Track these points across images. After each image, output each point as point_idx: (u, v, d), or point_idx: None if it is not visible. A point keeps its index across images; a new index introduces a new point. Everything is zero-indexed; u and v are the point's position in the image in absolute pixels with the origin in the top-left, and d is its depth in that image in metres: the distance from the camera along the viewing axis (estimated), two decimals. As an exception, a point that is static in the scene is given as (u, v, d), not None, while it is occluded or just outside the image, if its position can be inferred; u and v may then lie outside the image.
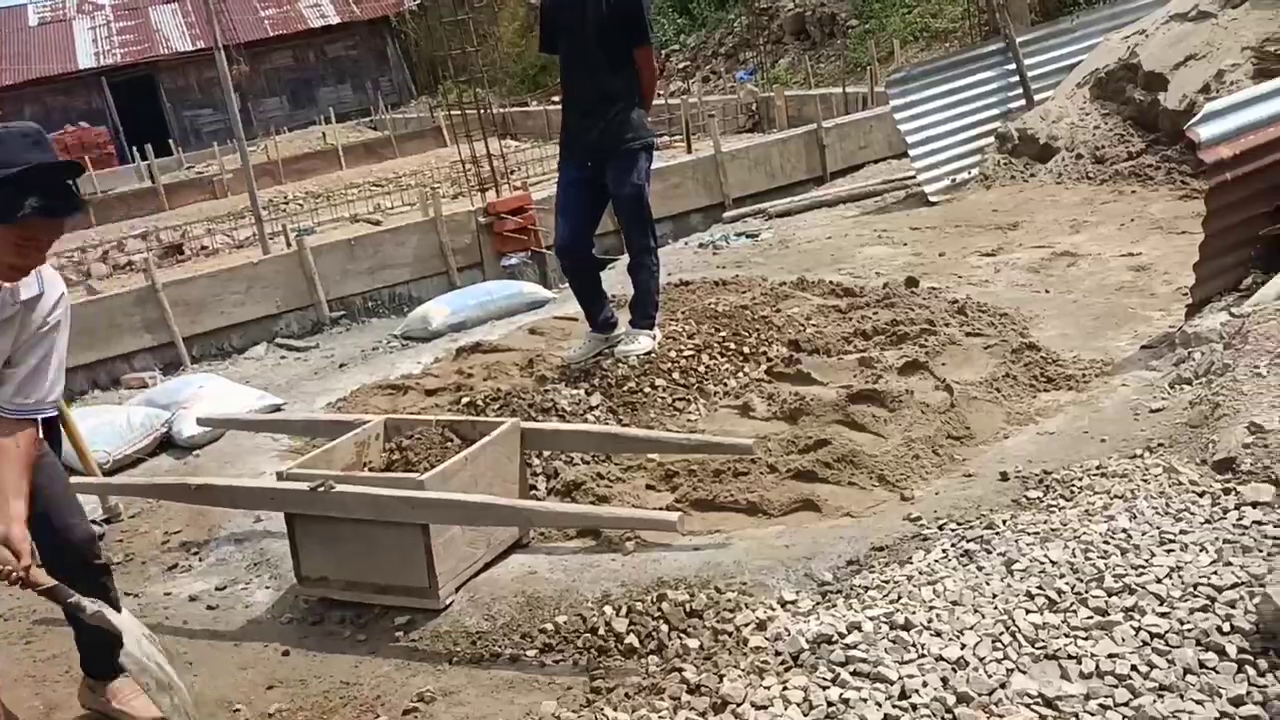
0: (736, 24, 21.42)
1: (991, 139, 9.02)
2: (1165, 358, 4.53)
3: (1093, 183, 8.15)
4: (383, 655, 3.42)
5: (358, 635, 3.56)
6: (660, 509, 3.99)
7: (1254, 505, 3.09)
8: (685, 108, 14.04)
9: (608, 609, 3.30)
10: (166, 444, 5.76)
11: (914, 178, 9.07)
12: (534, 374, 5.40)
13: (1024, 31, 9.84)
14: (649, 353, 5.13)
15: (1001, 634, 2.65)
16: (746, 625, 3.02)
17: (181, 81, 34.13)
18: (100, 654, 3.17)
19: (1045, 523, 3.21)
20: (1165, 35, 8.44)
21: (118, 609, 2.96)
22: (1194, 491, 3.26)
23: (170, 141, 28.88)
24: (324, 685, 3.31)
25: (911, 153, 8.89)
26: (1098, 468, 3.58)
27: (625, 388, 4.90)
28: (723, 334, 5.38)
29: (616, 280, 6.31)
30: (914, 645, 2.65)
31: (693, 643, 3.03)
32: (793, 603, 3.18)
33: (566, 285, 8.34)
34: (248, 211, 12.86)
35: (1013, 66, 9.25)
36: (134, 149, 26.48)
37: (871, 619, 2.78)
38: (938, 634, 2.69)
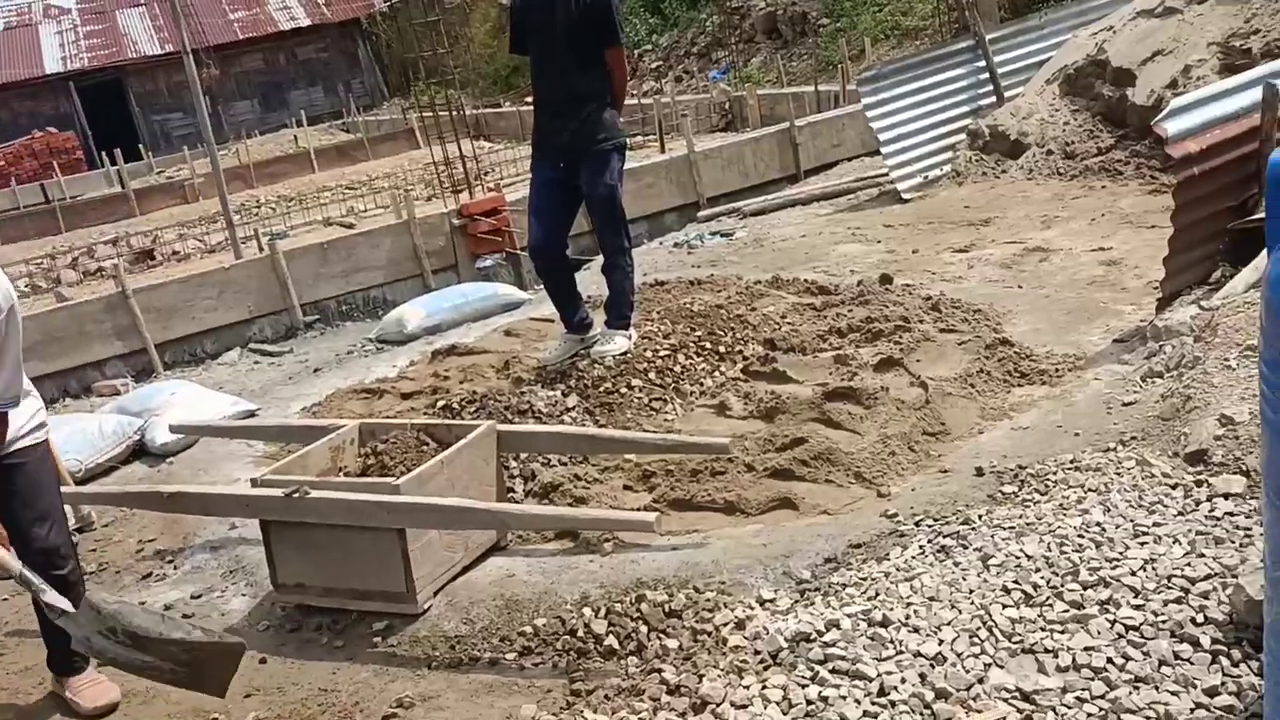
0: (709, 23, 21.44)
1: (963, 136, 9.07)
2: (1137, 351, 4.57)
3: (1063, 178, 8.20)
4: (361, 661, 3.40)
5: (335, 641, 3.54)
6: (638, 509, 3.99)
7: (1226, 496, 3.12)
8: (658, 107, 14.05)
9: (586, 611, 3.30)
10: (139, 452, 5.70)
11: (887, 175, 9.11)
12: (510, 376, 5.39)
13: (993, 29, 9.91)
14: (625, 353, 5.12)
15: (979, 629, 2.67)
16: (725, 625, 3.02)
17: (150, 85, 33.80)
18: (56, 651, 3.40)
19: (1020, 517, 3.23)
20: (1132, 31, 8.51)
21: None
22: (1167, 484, 3.29)
23: (140, 146, 28.60)
24: (302, 692, 3.29)
25: (884, 150, 8.93)
26: (1071, 462, 3.61)
27: (601, 388, 4.89)
28: (698, 333, 5.39)
29: (591, 281, 6.31)
30: (892, 642, 2.66)
31: (672, 643, 3.04)
32: (771, 601, 3.19)
33: (541, 287, 8.36)
34: (219, 216, 12.76)
35: (983, 64, 9.31)
36: (103, 154, 26.21)
37: (850, 616, 2.79)
38: (915, 630, 2.70)
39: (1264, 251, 4.42)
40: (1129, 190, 7.65)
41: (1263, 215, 4.60)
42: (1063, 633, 2.60)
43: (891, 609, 2.80)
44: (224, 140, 24.37)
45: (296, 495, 3.51)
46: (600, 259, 5.40)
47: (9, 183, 23.69)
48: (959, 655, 2.58)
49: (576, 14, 4.83)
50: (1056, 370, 4.63)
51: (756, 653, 2.79)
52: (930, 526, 3.39)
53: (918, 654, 2.60)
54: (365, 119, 29.44)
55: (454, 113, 10.34)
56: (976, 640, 2.62)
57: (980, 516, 3.32)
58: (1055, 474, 3.55)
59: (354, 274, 8.70)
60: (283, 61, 36.31)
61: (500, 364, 5.68)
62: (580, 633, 3.21)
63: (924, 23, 15.20)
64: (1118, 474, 3.40)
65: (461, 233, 8.89)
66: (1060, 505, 3.24)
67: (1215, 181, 4.68)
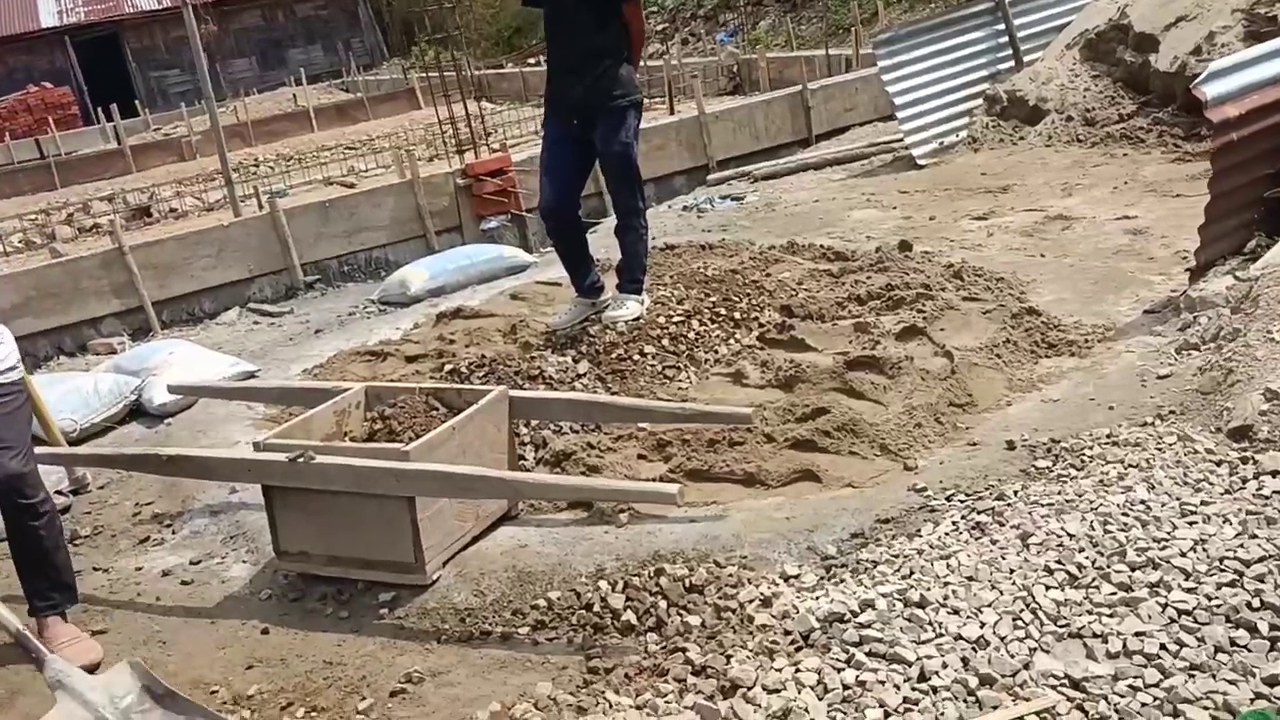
0: (717, -16, 21.11)
1: (980, 101, 8.86)
2: (1170, 323, 4.42)
3: (1083, 145, 8.01)
4: (367, 634, 3.26)
5: (340, 612, 3.40)
6: (654, 479, 3.85)
7: (1274, 474, 2.99)
8: (667, 69, 13.78)
9: (603, 584, 3.16)
10: (136, 412, 5.54)
11: (901, 140, 8.90)
12: (518, 340, 5.24)
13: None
14: (637, 318, 4.97)
15: (1021, 611, 2.54)
16: (750, 602, 2.89)
17: (148, 41, 33.35)
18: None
19: (1059, 493, 3.09)
20: (1157, -5, 8.28)
21: (50, 554, 3.30)
22: (1211, 460, 3.15)
23: (136, 102, 28.23)
24: (306, 665, 3.16)
25: (899, 115, 8.72)
26: (1108, 436, 3.47)
27: (614, 355, 4.74)
28: (713, 299, 5.23)
29: (599, 244, 6.13)
30: (931, 624, 2.53)
31: (694, 620, 2.90)
32: (796, 577, 3.06)
33: (548, 249, 8.16)
34: (217, 174, 12.56)
35: (1002, 27, 9.08)
36: (98, 110, 25.86)
37: (885, 596, 2.65)
38: (955, 611, 2.56)
39: (1306, 221, 4.27)
40: (1151, 158, 7.47)
41: (1304, 183, 4.45)
42: (1111, 616, 2.47)
43: (929, 589, 2.66)
44: (222, 98, 23.97)
45: (301, 460, 3.36)
46: (607, 221, 5.23)
47: (3, 138, 23.36)
48: (1002, 639, 2.45)
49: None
50: (1085, 341, 4.48)
51: (787, 633, 2.65)
52: (963, 502, 3.25)
53: (958, 637, 2.47)
54: (365, 78, 29.07)
55: (460, 72, 10.09)
56: (1020, 623, 2.49)
57: (1015, 492, 3.19)
58: (1091, 448, 3.42)
59: (356, 234, 8.49)
60: (281, 19, 35.84)
61: (507, 328, 5.52)
62: (596, 607, 3.08)
63: (936, -14, 14.90)
64: (1159, 450, 3.26)
65: (466, 193, 8.68)
66: (1101, 482, 3.10)
67: (1253, 148, 4.51)
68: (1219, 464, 3.12)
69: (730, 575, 3.07)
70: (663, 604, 3.02)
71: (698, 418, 3.85)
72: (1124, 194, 6.76)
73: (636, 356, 4.76)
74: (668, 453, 4.04)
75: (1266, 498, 2.90)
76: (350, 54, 34.36)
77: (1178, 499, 2.92)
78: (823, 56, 13.71)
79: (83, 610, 3.61)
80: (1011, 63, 9.06)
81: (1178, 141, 7.54)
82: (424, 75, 21.38)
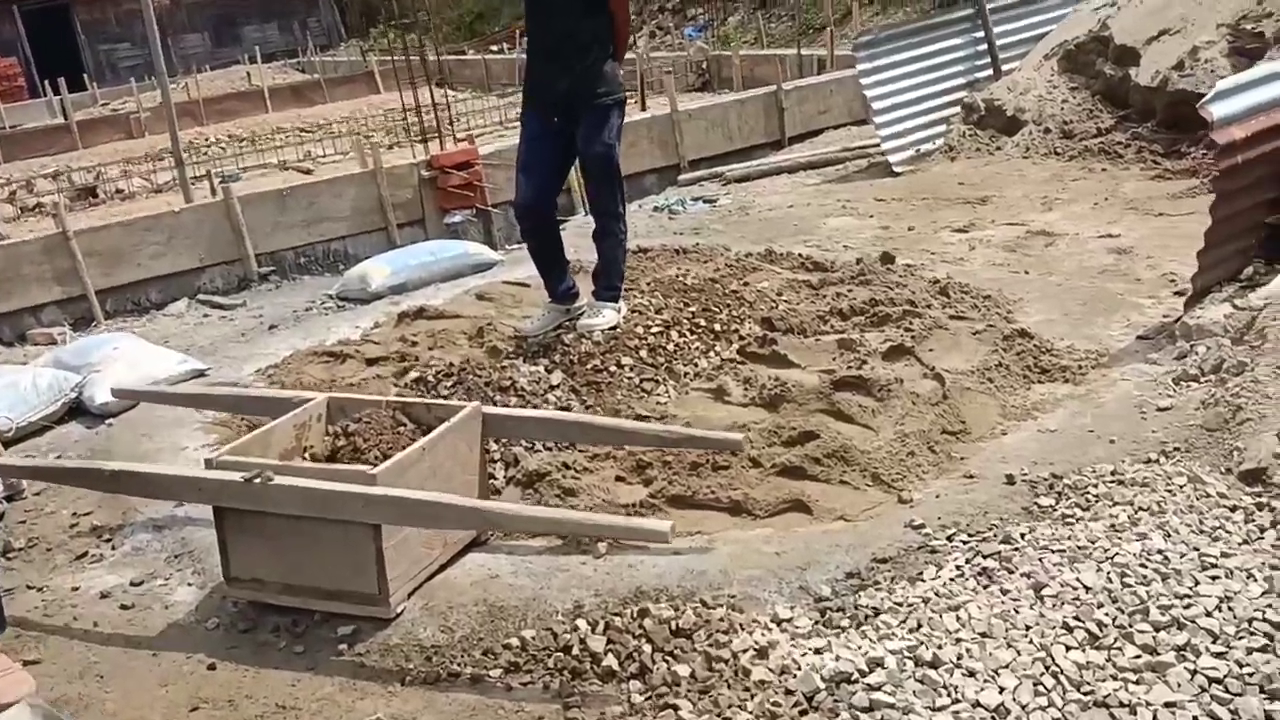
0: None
1: (957, 109, 8.73)
2: (1165, 350, 4.29)
3: (1061, 158, 7.91)
4: (324, 672, 3.01)
5: (295, 647, 3.14)
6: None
7: (1293, 524, 2.85)
8: (640, 63, 13.53)
9: (581, 623, 2.95)
10: (76, 410, 5.22)
11: (876, 146, 8.75)
12: (484, 345, 5.00)
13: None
14: (614, 327, 4.75)
15: (1042, 675, 2.36)
16: (745, 652, 2.68)
17: (98, 13, 32.34)
18: None
19: (1069, 538, 2.93)
20: (1138, 8, 8.20)
21: None
22: (1224, 505, 3.01)
23: (84, 76, 27.35)
24: (256, 708, 2.90)
25: (876, 120, 8.57)
26: (1113, 474, 3.31)
27: (589, 366, 4.52)
28: (692, 309, 5.02)
29: (569, 243, 5.88)
30: (946, 688, 2.34)
31: (683, 670, 2.69)
32: (789, 620, 2.86)
33: (514, 246, 7.90)
34: (167, 154, 12.12)
35: (981, 34, 8.95)
36: (45, 83, 25.02)
37: (894, 654, 2.46)
38: (971, 674, 2.38)
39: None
40: (1130, 174, 7.38)
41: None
42: (1138, 684, 2.31)
43: (941, 646, 2.47)
44: (173, 74, 23.28)
45: (258, 481, 3.10)
46: (576, 219, 4.99)
47: (-54, 108, 22.54)
48: (1024, 708, 2.27)
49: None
50: (1080, 367, 4.33)
51: (789, 692, 2.45)
52: (965, 543, 3.07)
53: (977, 704, 2.29)
54: (322, 59, 28.40)
55: (425, 58, 9.77)
56: (1042, 689, 2.31)
57: (1023, 535, 3.01)
58: (1096, 487, 3.26)
59: (314, 224, 8.16)
60: (237, -6, 34.97)
61: (473, 330, 5.27)
62: (575, 649, 2.86)
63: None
64: (1169, 492, 3.11)
65: (431, 185, 8.37)
66: (1113, 527, 2.94)
67: (1256, 172, 4.38)
68: (1233, 509, 2.98)
69: (720, 618, 2.86)
70: (647, 648, 2.80)
71: (684, 442, 3.64)
72: (1105, 210, 6.65)
73: (613, 368, 4.54)
74: (648, 475, 3.83)
75: (1287, 549, 2.76)
76: (307, 33, 33.63)
77: (1196, 549, 2.76)
78: (794, 56, 13.53)
79: (14, 636, 3.33)
80: (990, 71, 8.94)
81: (1157, 158, 7.45)
82: (383, 59, 20.93)
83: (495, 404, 4.11)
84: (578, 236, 6.08)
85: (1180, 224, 6.06)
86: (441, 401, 3.86)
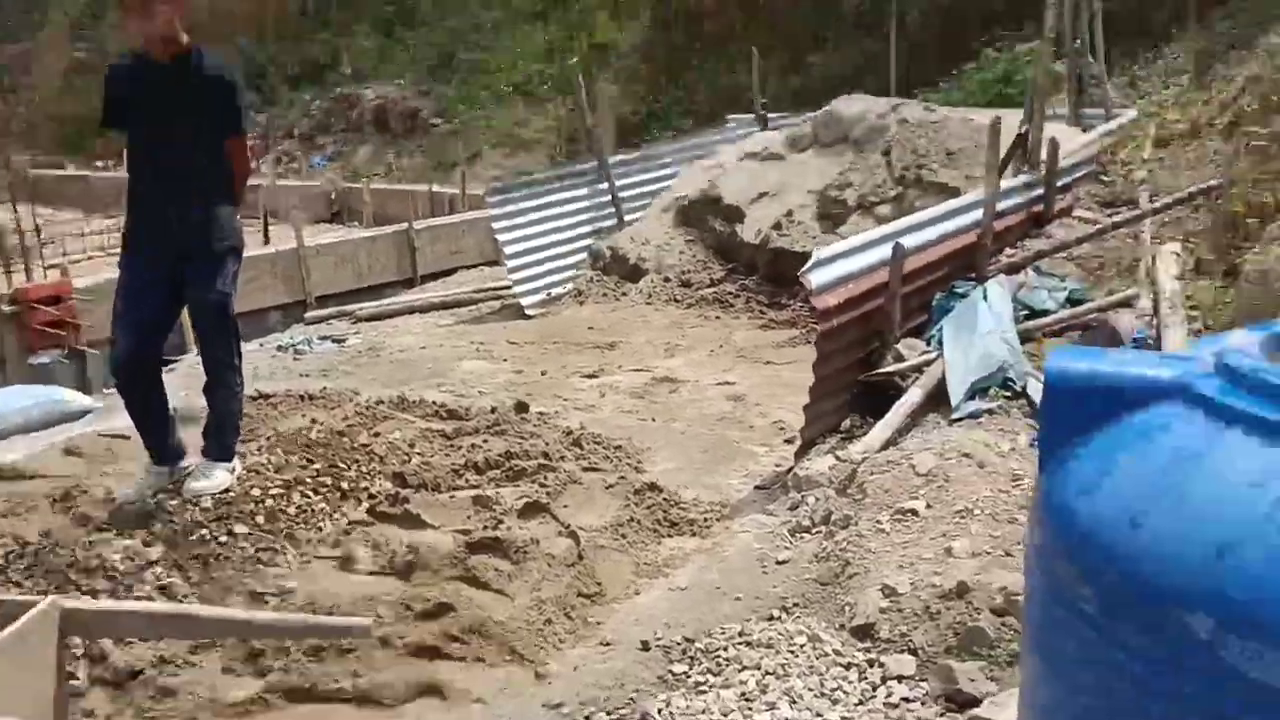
0: (314, 107, 20.52)
1: (585, 255, 9.09)
2: (779, 501, 4.54)
3: (680, 305, 8.41)
4: None
5: None
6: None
7: (899, 679, 3.03)
8: (263, 193, 12.99)
9: None
10: None
11: (508, 287, 8.90)
12: (73, 513, 4.37)
13: (614, 154, 10.13)
14: (226, 490, 4.32)
15: None
16: None
17: None
18: None
19: (704, 711, 2.93)
20: (742, 171, 9.03)
21: None
22: (840, 664, 3.15)
23: None
24: None
25: (509, 264, 8.73)
26: (740, 634, 3.39)
27: (195, 537, 4.05)
28: (317, 465, 4.69)
29: (177, 387, 5.37)
30: None
31: None
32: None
33: (112, 391, 7.11)
34: None
35: (605, 185, 9.45)
36: None
37: None
38: None
39: (895, 406, 4.60)
40: (741, 323, 7.97)
41: (889, 369, 4.82)
42: None
43: None
44: None
45: None
46: (188, 359, 4.54)
47: None
48: None
49: (194, 94, 4.10)
50: (705, 519, 4.48)
51: None
52: (603, 722, 2.99)
53: None
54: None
55: (12, 176, 8.78)
56: None
57: (659, 711, 2.97)
58: (726, 650, 3.31)
59: None
60: None
61: (59, 494, 4.60)
62: None
63: (539, 135, 15.44)
64: (791, 653, 3.22)
65: (14, 322, 7.42)
66: (744, 695, 2.99)
67: (849, 335, 4.84)
68: (848, 668, 3.12)
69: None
70: None
71: (306, 633, 3.30)
72: (720, 358, 7.10)
73: (224, 538, 4.09)
74: (262, 665, 3.43)
75: (895, 705, 2.93)
76: None
77: (818, 714, 2.85)
78: (426, 192, 13.61)
79: None
80: (615, 220, 9.42)
81: (763, 308, 8.11)
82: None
83: (80, 589, 3.57)
84: (189, 379, 5.57)
85: (784, 372, 6.57)
86: (6, 597, 3.27)
